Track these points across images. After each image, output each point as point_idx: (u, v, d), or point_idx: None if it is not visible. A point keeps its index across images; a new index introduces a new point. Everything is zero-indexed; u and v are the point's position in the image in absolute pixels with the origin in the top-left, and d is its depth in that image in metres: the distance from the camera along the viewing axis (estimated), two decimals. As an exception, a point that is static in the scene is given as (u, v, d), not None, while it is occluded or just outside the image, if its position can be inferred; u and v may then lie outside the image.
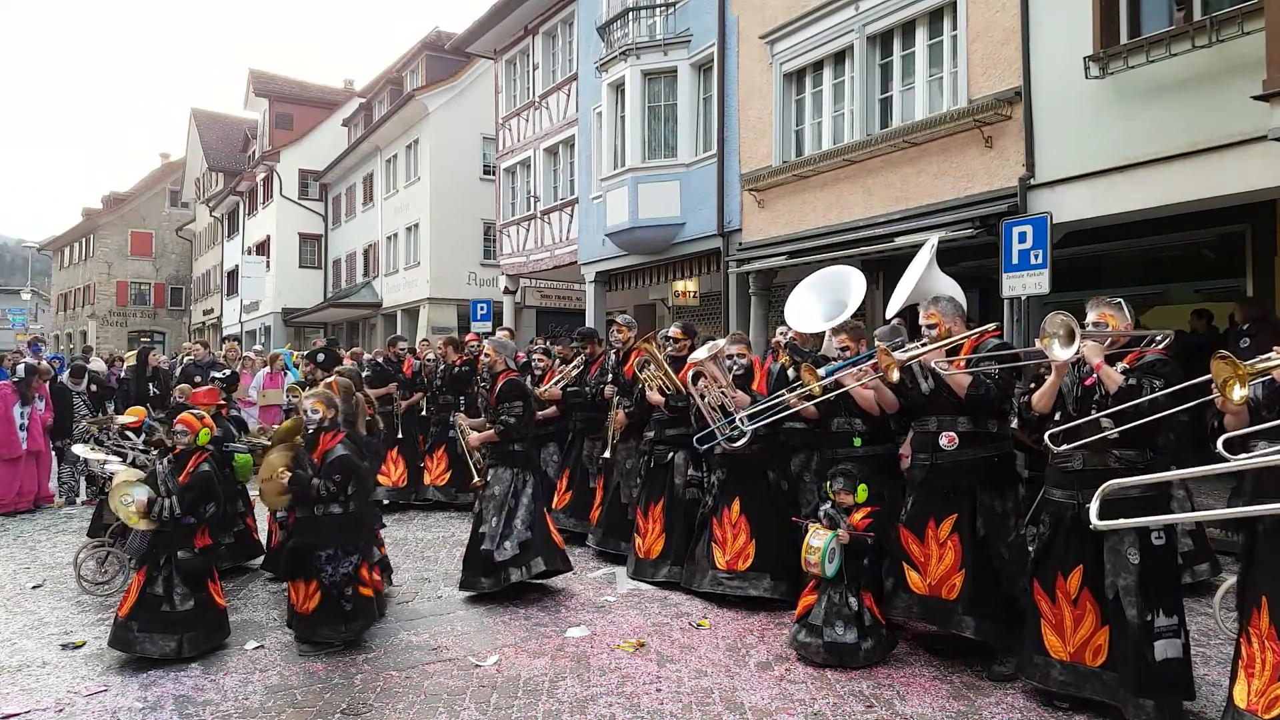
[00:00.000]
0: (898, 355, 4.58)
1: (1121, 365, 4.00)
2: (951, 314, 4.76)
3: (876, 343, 4.89)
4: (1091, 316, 4.15)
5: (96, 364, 14.01)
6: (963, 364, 4.57)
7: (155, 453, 6.25)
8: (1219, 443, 3.34)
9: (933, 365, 4.61)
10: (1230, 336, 8.52)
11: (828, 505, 4.94)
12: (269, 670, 4.76)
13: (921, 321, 4.82)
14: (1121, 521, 3.60)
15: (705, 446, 6.00)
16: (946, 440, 4.60)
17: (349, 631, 5.08)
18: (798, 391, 5.35)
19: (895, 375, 4.51)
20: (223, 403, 7.41)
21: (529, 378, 8.13)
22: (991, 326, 4.88)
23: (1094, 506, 3.09)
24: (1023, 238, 8.34)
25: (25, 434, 9.58)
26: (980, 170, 9.61)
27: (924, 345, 4.69)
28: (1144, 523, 3.75)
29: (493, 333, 13.39)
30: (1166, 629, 3.85)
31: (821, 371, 5.14)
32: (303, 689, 4.48)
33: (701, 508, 6.24)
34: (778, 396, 5.60)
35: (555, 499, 7.90)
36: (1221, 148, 7.37)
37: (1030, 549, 4.45)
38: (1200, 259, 10.42)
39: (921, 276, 5.95)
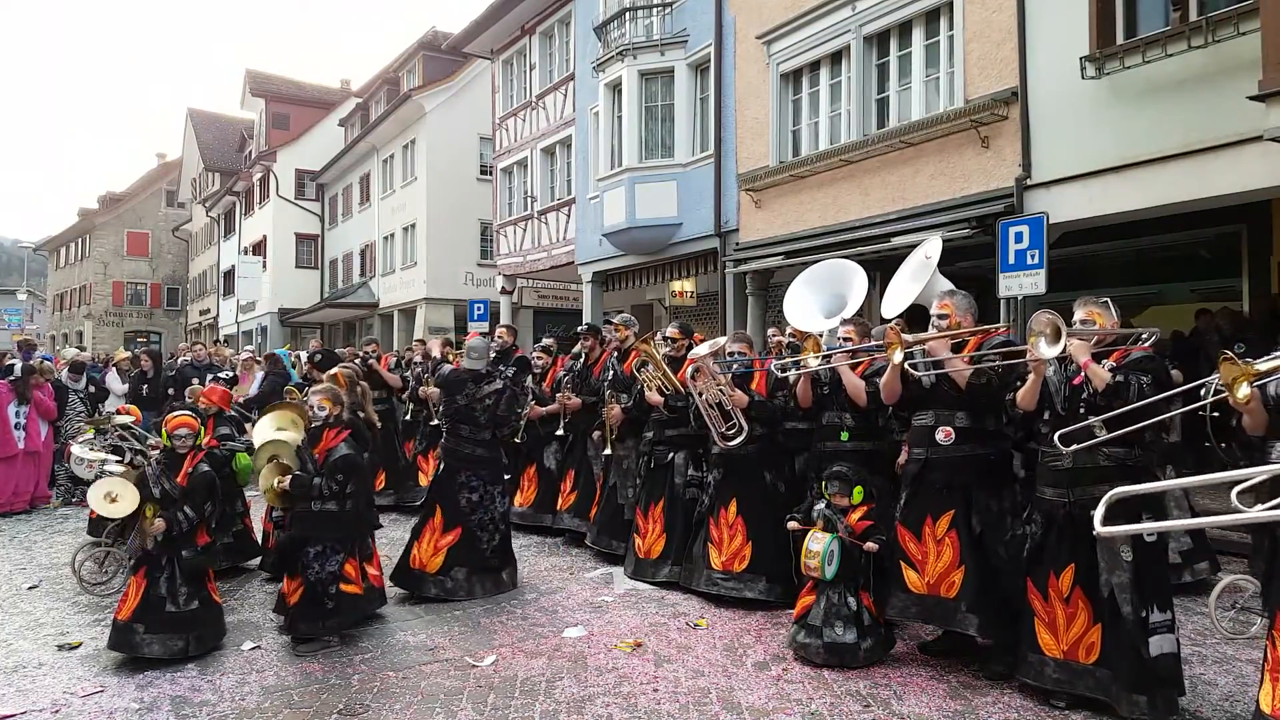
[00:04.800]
0: (905, 338, 4.56)
1: (1109, 363, 4.04)
2: (964, 309, 4.76)
3: (888, 326, 4.87)
4: (1079, 315, 4.20)
5: (69, 351, 13.95)
6: (967, 359, 4.56)
7: (154, 453, 6.24)
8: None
9: (937, 355, 4.60)
10: (1213, 343, 8.45)
11: (822, 505, 4.94)
12: (265, 671, 4.75)
13: (934, 312, 4.81)
14: (1123, 528, 3.69)
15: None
16: (943, 435, 4.59)
17: (326, 628, 5.08)
18: (799, 358, 5.34)
19: (899, 356, 4.49)
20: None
21: (530, 375, 8.14)
22: (1001, 325, 4.89)
23: (1099, 513, 3.09)
24: (1019, 238, 8.36)
25: (22, 433, 9.55)
26: (977, 170, 9.62)
27: (932, 333, 4.68)
28: (1144, 528, 3.80)
29: (490, 333, 13.34)
30: (1160, 624, 3.89)
31: (825, 348, 5.16)
32: (299, 689, 4.47)
33: (698, 507, 6.25)
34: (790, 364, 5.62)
35: (560, 500, 7.92)
36: (1217, 148, 7.40)
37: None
38: (1196, 259, 10.45)
39: (930, 280, 5.95)
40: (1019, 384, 4.25)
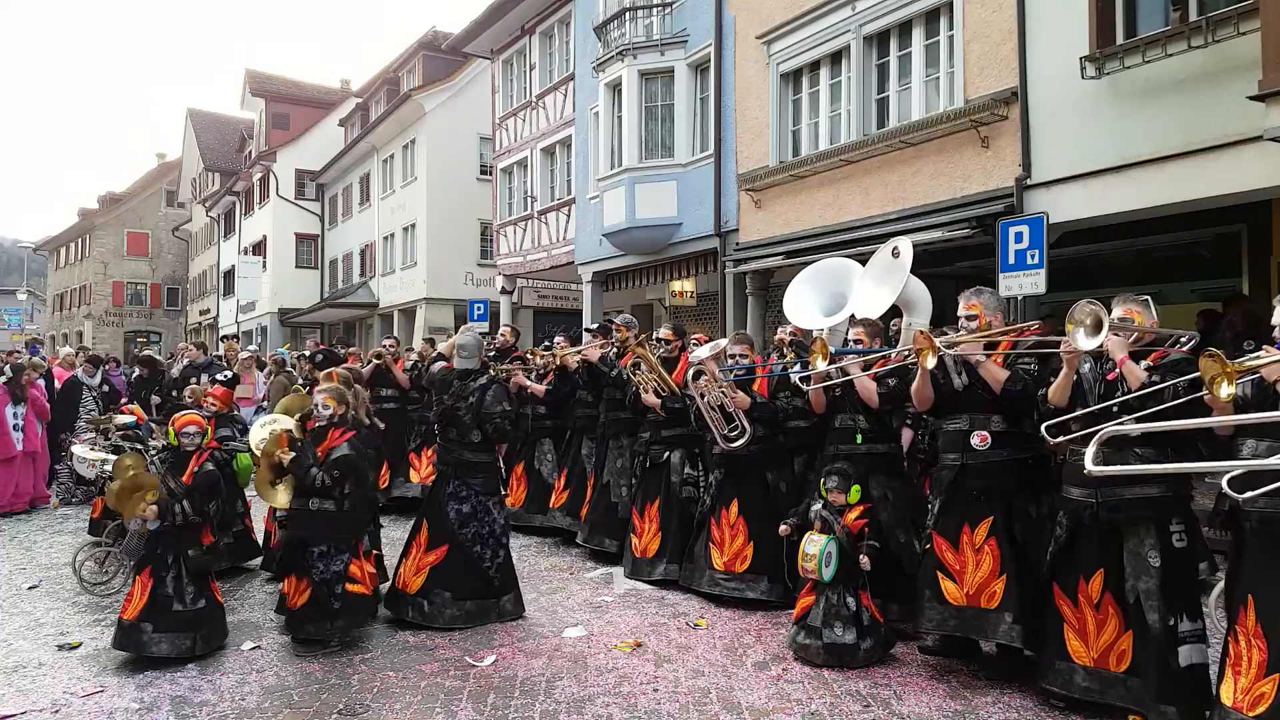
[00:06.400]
0: (938, 343, 4.41)
1: (1145, 363, 3.92)
2: (993, 307, 4.61)
3: (916, 330, 4.72)
4: (1117, 312, 4.04)
5: (64, 350, 13.94)
6: (1001, 359, 4.41)
7: (155, 453, 6.25)
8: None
9: (970, 358, 4.44)
10: (1226, 340, 8.48)
11: (819, 505, 4.93)
12: (265, 671, 4.75)
13: (961, 313, 4.65)
14: (1115, 469, 3.60)
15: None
16: (979, 439, 4.41)
17: (334, 629, 5.08)
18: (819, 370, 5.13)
19: (932, 361, 4.31)
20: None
21: (533, 373, 8.14)
22: (1035, 324, 4.73)
23: (1089, 451, 2.96)
24: (1019, 238, 8.35)
25: (20, 434, 9.53)
26: (977, 170, 9.62)
27: (964, 336, 4.53)
28: (1133, 469, 3.67)
29: (490, 333, 13.33)
30: (1190, 634, 3.77)
31: (831, 349, 5.03)
32: (299, 689, 4.47)
33: (699, 507, 6.25)
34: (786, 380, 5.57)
35: (553, 497, 7.90)
36: (1217, 148, 7.39)
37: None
38: (1196, 259, 10.45)
39: (906, 284, 5.90)
40: (1051, 381, 4.15)
